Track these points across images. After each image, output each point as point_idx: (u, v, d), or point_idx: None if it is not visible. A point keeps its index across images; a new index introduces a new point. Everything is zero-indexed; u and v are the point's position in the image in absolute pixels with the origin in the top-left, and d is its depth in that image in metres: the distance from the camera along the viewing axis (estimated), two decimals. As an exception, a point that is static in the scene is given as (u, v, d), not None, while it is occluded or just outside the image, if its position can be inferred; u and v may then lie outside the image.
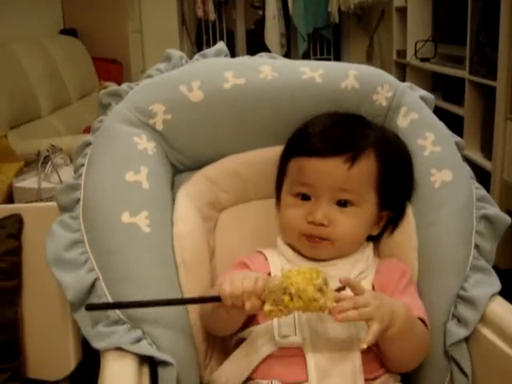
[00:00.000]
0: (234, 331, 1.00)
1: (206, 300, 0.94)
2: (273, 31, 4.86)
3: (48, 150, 2.31)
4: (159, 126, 1.07)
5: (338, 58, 5.07)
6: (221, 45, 1.19)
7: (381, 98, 1.12)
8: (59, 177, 2.16)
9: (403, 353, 0.96)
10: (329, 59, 5.02)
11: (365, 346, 0.87)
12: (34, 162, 2.28)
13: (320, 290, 0.85)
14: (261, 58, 1.17)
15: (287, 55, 4.92)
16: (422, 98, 1.16)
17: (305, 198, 1.02)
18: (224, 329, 1.00)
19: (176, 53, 1.15)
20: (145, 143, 1.05)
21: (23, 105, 3.11)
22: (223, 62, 1.14)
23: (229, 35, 5.19)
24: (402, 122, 1.12)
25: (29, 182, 2.19)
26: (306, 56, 4.91)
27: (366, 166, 1.01)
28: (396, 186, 1.05)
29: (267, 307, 0.87)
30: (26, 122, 3.11)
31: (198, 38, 5.20)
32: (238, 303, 0.88)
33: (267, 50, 4.73)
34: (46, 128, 3.24)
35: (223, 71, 1.10)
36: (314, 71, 1.12)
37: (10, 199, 2.13)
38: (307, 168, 1.02)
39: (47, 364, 1.21)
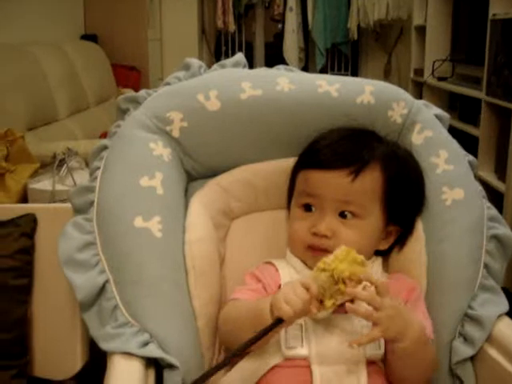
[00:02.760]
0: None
1: (271, 328, 0.90)
2: (291, 45, 4.88)
3: (64, 153, 2.32)
4: (176, 133, 1.09)
5: (355, 74, 5.08)
6: (239, 56, 1.21)
7: (396, 115, 1.13)
8: (74, 180, 2.17)
9: (411, 372, 0.95)
10: (346, 75, 5.02)
11: (355, 346, 0.88)
12: (50, 165, 2.29)
13: (362, 263, 0.92)
14: (278, 71, 1.18)
15: (305, 69, 4.92)
16: (437, 117, 1.17)
17: (309, 209, 1.03)
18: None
19: (195, 61, 1.17)
20: (161, 149, 1.07)
21: (41, 107, 3.14)
22: (241, 72, 1.16)
23: (248, 47, 5.22)
24: (416, 140, 1.13)
25: (43, 183, 2.20)
26: (323, 71, 4.92)
27: (371, 179, 1.02)
28: (404, 201, 1.06)
29: (328, 303, 0.89)
30: (44, 124, 3.14)
31: (217, 48, 5.23)
32: (303, 315, 0.89)
33: (285, 64, 4.71)
34: (62, 131, 3.26)
35: (241, 82, 1.11)
36: (330, 85, 1.13)
37: (24, 200, 2.14)
38: (312, 179, 1.03)
39: (54, 363, 1.22)
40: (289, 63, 4.73)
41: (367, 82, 1.16)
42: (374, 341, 0.90)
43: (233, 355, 0.90)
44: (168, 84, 1.14)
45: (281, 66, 1.21)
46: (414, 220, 1.09)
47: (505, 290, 1.06)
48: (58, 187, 2.16)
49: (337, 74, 4.96)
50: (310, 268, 1.03)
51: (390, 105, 1.13)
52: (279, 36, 5.12)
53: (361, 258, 0.92)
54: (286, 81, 1.12)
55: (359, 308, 0.88)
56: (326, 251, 1.00)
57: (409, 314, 0.93)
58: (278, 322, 0.89)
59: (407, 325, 0.91)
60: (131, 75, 4.51)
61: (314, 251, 1.02)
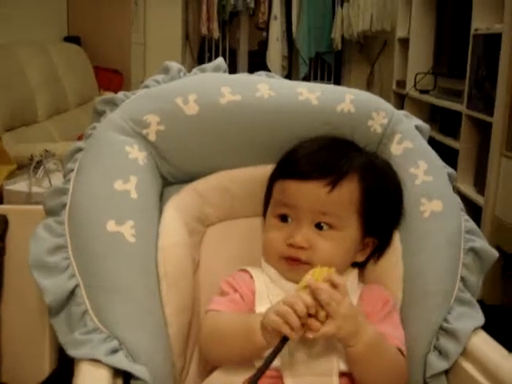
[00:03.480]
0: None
1: (280, 349, 0.89)
2: (275, 53, 4.89)
3: (41, 155, 2.30)
4: (152, 137, 1.07)
5: (338, 83, 5.06)
6: (220, 60, 1.19)
7: (376, 124, 1.12)
8: (50, 182, 2.14)
9: (375, 379, 0.95)
10: (329, 84, 5.03)
11: (311, 336, 0.88)
12: (27, 166, 2.26)
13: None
14: (259, 77, 1.17)
15: (288, 78, 4.89)
16: (417, 128, 1.16)
17: (285, 219, 1.02)
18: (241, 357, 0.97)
19: (174, 65, 1.15)
20: (136, 153, 1.05)
21: (21, 108, 3.12)
22: (221, 77, 1.14)
23: (231, 54, 5.22)
24: (396, 150, 1.12)
25: (19, 185, 2.17)
26: (306, 79, 4.92)
27: (348, 190, 1.01)
28: (381, 212, 1.05)
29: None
30: (22, 125, 3.11)
31: (201, 54, 5.22)
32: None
33: (268, 71, 4.73)
34: (41, 133, 3.24)
35: (220, 86, 1.10)
36: (310, 93, 1.12)
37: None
38: (289, 189, 1.02)
39: (21, 369, 1.19)
40: (272, 71, 4.71)
41: (348, 90, 1.15)
42: (327, 336, 0.89)
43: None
44: (147, 87, 1.12)
45: (262, 73, 1.20)
46: (391, 232, 1.08)
47: (480, 302, 1.06)
48: (35, 189, 2.13)
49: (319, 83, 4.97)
50: (285, 278, 1.02)
51: (370, 114, 1.12)
52: (263, 44, 5.13)
53: (333, 270, 0.94)
54: (267, 87, 1.11)
55: (321, 288, 0.89)
56: (302, 262, 0.99)
57: (364, 319, 0.93)
58: (284, 340, 0.88)
59: (360, 328, 0.91)
60: (114, 78, 4.50)
61: (289, 263, 1.01)
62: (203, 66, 1.17)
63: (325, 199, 0.99)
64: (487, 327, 1.01)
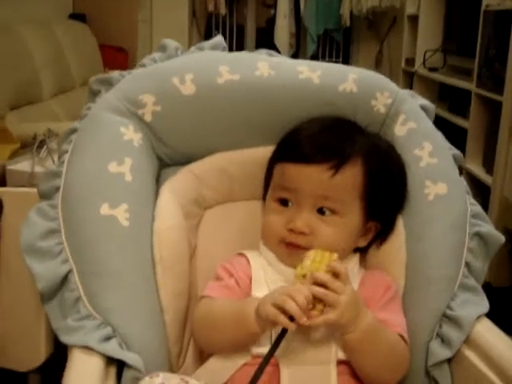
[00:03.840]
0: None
1: (279, 342, 0.88)
2: (282, 30, 4.81)
3: (44, 134, 2.28)
4: (148, 117, 1.04)
5: (346, 62, 5.03)
6: (218, 38, 1.16)
7: (379, 104, 1.09)
8: (53, 161, 2.12)
9: (374, 366, 0.93)
10: (337, 62, 4.97)
11: (307, 323, 0.85)
12: (30, 146, 2.25)
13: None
14: (259, 55, 1.13)
15: (296, 55, 4.88)
16: (423, 107, 1.12)
17: (286, 203, 0.99)
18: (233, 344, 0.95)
19: (172, 43, 1.12)
20: (131, 134, 1.02)
21: (25, 87, 3.09)
22: (219, 55, 1.11)
23: (239, 31, 5.15)
24: (399, 131, 1.08)
25: (22, 165, 2.15)
26: (314, 58, 4.86)
27: (352, 174, 0.98)
28: (384, 197, 1.02)
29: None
30: (27, 104, 3.08)
31: (208, 31, 5.16)
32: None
33: (276, 49, 4.70)
34: (46, 112, 3.21)
35: (218, 65, 1.06)
36: (312, 72, 1.08)
37: (2, 181, 2.10)
38: (290, 172, 0.99)
39: (17, 353, 1.18)
40: (279, 49, 4.68)
41: (351, 69, 1.11)
42: (328, 323, 0.88)
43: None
44: (143, 65, 1.09)
45: (262, 51, 1.16)
46: (394, 216, 1.05)
47: (488, 284, 1.03)
48: (38, 169, 2.11)
49: (328, 61, 4.92)
50: (283, 262, 0.99)
51: (373, 94, 1.08)
52: (271, 21, 5.06)
53: (335, 255, 0.91)
54: (266, 66, 1.08)
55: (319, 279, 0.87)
56: (302, 248, 0.96)
57: (362, 306, 0.91)
58: (284, 332, 0.87)
59: (360, 314, 0.89)
60: (119, 56, 4.44)
61: (289, 248, 0.98)
62: (201, 44, 1.14)
63: (327, 183, 0.96)
64: (494, 310, 0.98)
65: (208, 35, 5.10)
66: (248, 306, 0.90)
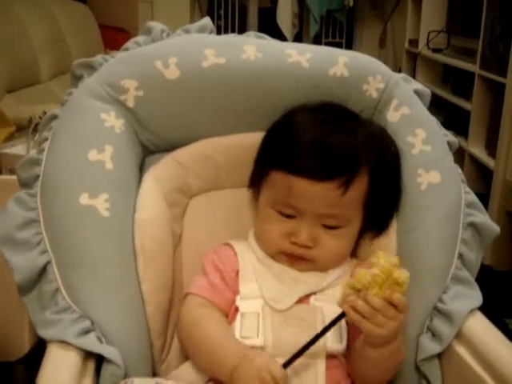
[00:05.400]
0: None
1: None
2: (285, 10, 4.74)
3: (40, 117, 2.25)
4: (130, 103, 1.00)
5: (350, 43, 4.97)
6: (206, 20, 1.12)
7: (371, 89, 1.05)
8: (47, 146, 2.10)
9: (374, 374, 0.91)
10: (341, 43, 4.91)
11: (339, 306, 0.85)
12: (26, 129, 2.22)
13: (402, 283, 0.84)
14: (247, 38, 1.09)
15: (299, 36, 4.83)
16: (417, 92, 1.08)
17: (288, 216, 0.95)
18: None
19: (157, 25, 1.08)
20: (113, 120, 0.98)
21: (23, 69, 3.05)
22: (205, 38, 1.07)
23: (242, 11, 5.08)
24: (392, 117, 1.04)
25: (17, 148, 2.12)
26: (317, 38, 4.81)
27: (359, 186, 0.94)
28: (385, 201, 0.99)
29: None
30: (25, 86, 3.04)
31: (210, 12, 5.09)
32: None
33: (279, 30, 4.64)
34: (44, 94, 3.17)
35: (204, 48, 1.02)
36: (301, 55, 1.04)
37: (-3, 165, 2.08)
38: (297, 190, 0.92)
39: (1, 344, 1.15)
40: (282, 29, 4.63)
41: (341, 52, 1.07)
42: (370, 332, 0.84)
43: None
44: (126, 49, 1.06)
45: (251, 33, 1.12)
46: (391, 217, 1.02)
47: (489, 268, 1.00)
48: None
49: (331, 42, 4.87)
50: (278, 261, 0.97)
51: (365, 78, 1.04)
52: (275, 1, 4.99)
53: (403, 276, 0.83)
54: (253, 49, 1.04)
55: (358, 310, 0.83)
56: (305, 259, 0.94)
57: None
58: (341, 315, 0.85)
59: (393, 337, 0.86)
60: (120, 37, 4.39)
61: (290, 259, 0.96)
62: (187, 26, 1.09)
63: (336, 202, 0.92)
64: (496, 293, 0.95)
65: (210, 15, 5.03)
66: (229, 359, 0.86)
